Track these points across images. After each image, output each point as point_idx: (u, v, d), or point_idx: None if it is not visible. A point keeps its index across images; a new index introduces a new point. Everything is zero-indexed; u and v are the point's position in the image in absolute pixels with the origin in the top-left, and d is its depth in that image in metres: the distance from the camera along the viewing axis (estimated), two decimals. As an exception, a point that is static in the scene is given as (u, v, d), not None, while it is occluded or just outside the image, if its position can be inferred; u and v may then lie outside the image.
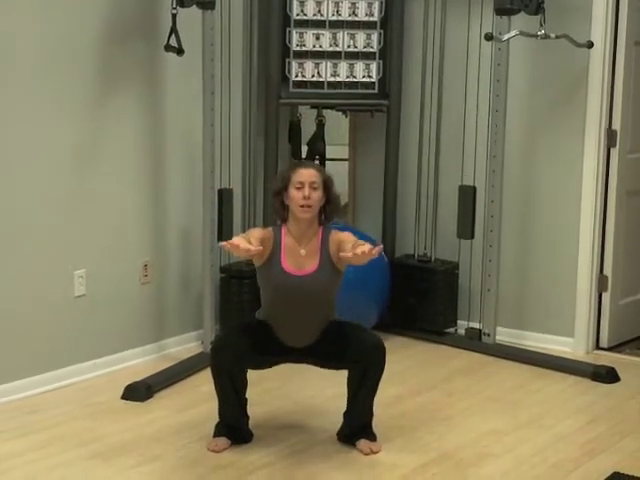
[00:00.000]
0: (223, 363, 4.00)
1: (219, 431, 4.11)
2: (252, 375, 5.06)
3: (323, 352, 4.07)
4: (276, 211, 4.10)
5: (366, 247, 3.74)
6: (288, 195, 4.00)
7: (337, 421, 4.17)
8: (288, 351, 4.10)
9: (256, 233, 4.02)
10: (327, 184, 4.04)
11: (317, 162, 5.69)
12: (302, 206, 3.96)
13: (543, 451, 4.13)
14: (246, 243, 3.77)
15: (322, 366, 4.16)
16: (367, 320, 5.59)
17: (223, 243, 3.79)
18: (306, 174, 3.99)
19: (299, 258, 4.02)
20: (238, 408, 4.10)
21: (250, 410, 4.16)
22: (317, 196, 3.98)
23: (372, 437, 4.12)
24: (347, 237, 4.01)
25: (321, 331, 4.07)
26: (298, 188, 3.96)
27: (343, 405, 4.12)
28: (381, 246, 3.85)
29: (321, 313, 4.08)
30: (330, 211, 4.08)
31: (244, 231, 5.57)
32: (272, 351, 4.09)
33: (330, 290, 4.08)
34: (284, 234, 4.05)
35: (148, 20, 5.10)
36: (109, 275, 5.07)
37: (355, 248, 3.79)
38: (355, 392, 4.07)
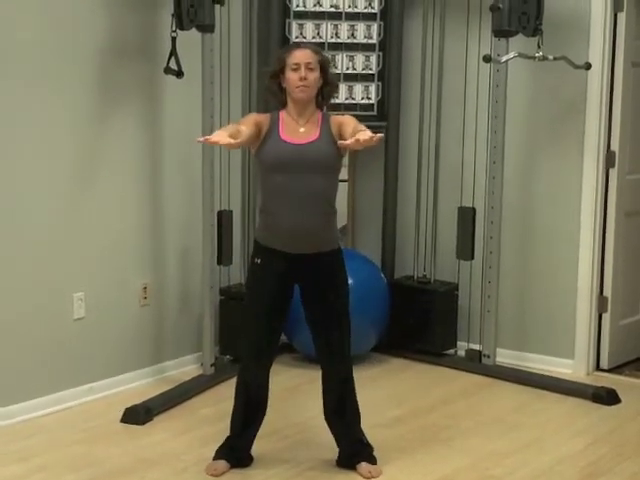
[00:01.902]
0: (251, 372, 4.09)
1: (219, 454, 4.10)
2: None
3: (313, 288, 4.00)
4: (274, 94, 4.01)
5: (367, 134, 3.64)
6: (285, 78, 3.94)
7: (337, 443, 4.17)
8: (287, 272, 3.96)
9: (251, 117, 4.00)
10: (324, 65, 3.97)
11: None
12: (298, 87, 3.90)
13: (544, 474, 4.12)
14: (226, 137, 3.64)
15: (306, 311, 4.08)
16: (367, 342, 5.60)
17: (201, 139, 3.74)
18: (301, 55, 3.91)
19: (298, 133, 3.94)
20: (253, 427, 4.11)
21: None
22: (314, 77, 3.91)
23: (372, 461, 4.11)
24: (348, 120, 3.93)
25: (322, 241, 3.95)
26: (294, 69, 3.89)
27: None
28: (381, 134, 3.76)
29: (322, 201, 3.94)
30: (328, 92, 4.02)
31: (245, 254, 5.60)
32: (274, 287, 4.00)
33: (332, 164, 3.95)
34: (282, 115, 3.98)
35: (148, 42, 5.11)
36: (108, 298, 5.06)
37: (355, 134, 3.70)
38: (331, 416, 4.12)
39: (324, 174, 3.93)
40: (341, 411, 4.11)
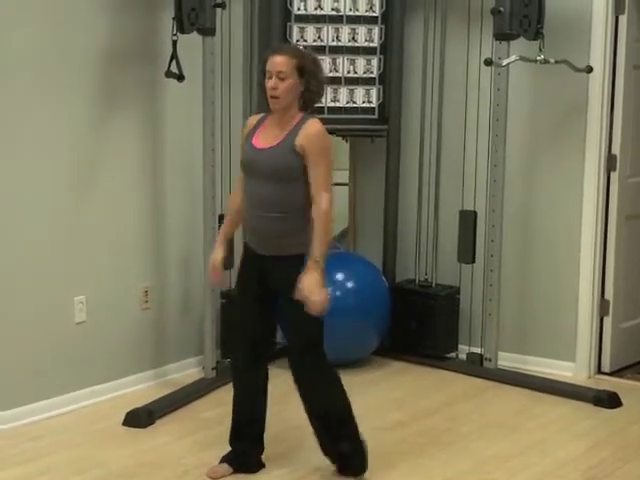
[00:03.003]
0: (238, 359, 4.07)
1: (223, 457, 4.09)
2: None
3: (274, 290, 3.96)
4: (263, 100, 3.94)
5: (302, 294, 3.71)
6: None
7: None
8: (260, 269, 3.98)
9: (249, 121, 4.05)
10: (304, 70, 3.79)
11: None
12: (271, 97, 3.80)
13: (545, 477, 4.12)
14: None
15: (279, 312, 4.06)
16: (368, 345, 5.60)
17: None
18: (273, 63, 3.78)
19: (270, 136, 3.86)
20: (249, 429, 4.09)
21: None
22: (284, 86, 3.75)
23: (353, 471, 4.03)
24: (309, 148, 3.76)
25: (277, 245, 3.88)
26: (268, 77, 3.79)
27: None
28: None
29: (273, 206, 3.83)
30: (308, 98, 3.85)
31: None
32: (253, 280, 4.03)
33: (281, 173, 3.80)
34: (268, 117, 3.93)
35: (149, 45, 5.12)
36: (109, 301, 5.06)
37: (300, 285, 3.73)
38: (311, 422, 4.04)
39: (274, 181, 3.82)
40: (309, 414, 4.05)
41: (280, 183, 3.82)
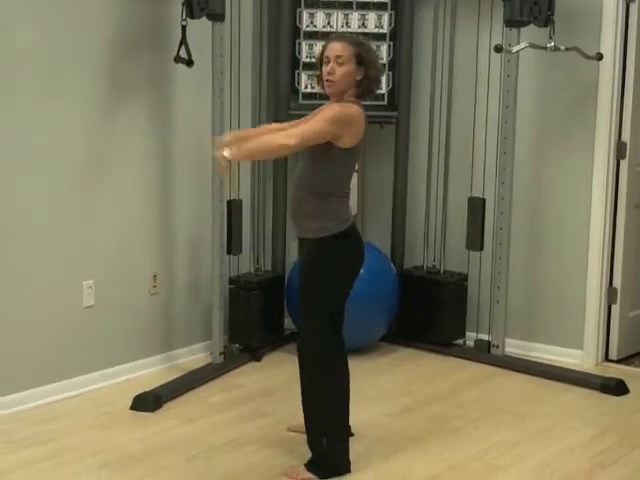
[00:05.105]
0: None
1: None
2: (261, 385, 5.08)
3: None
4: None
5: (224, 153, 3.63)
6: None
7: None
8: None
9: None
10: (362, 58, 3.84)
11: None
12: (326, 80, 3.85)
13: (552, 463, 4.12)
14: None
15: None
16: (376, 331, 5.61)
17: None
18: (332, 49, 3.83)
19: None
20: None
21: (261, 420, 4.10)
22: (342, 71, 3.80)
23: (311, 470, 3.93)
24: (321, 112, 3.80)
25: (302, 227, 3.91)
26: (326, 62, 3.84)
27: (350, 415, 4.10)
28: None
29: (301, 186, 3.89)
30: (366, 86, 3.88)
31: (254, 243, 5.63)
32: None
33: (313, 150, 3.80)
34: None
35: (158, 31, 5.12)
36: (118, 286, 5.08)
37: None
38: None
39: (307, 160, 3.87)
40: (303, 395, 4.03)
41: (309, 161, 3.85)
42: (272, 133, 3.94)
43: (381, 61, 5.61)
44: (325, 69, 3.84)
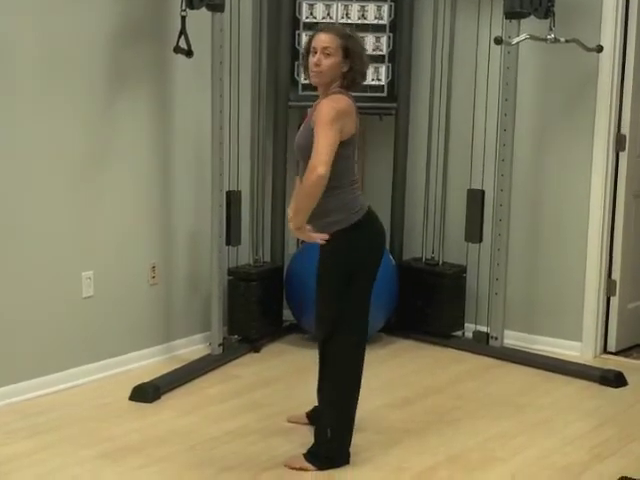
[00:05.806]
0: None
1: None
2: (260, 376, 5.08)
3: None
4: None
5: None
6: None
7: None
8: None
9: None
10: (348, 50, 3.83)
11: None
12: (312, 71, 3.84)
13: (551, 455, 4.13)
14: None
15: None
16: (375, 323, 5.60)
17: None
18: (319, 39, 3.83)
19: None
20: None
21: (260, 411, 4.11)
22: (329, 62, 3.79)
23: (310, 460, 3.94)
24: (317, 121, 3.73)
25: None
26: (313, 53, 3.84)
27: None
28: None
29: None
30: (350, 78, 3.86)
31: (253, 235, 5.61)
32: None
33: (307, 152, 3.76)
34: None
35: (157, 22, 5.11)
36: (117, 277, 5.08)
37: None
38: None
39: (304, 161, 3.83)
40: (321, 385, 4.06)
41: (304, 160, 3.82)
42: (300, 183, 3.92)
43: (380, 52, 5.62)
44: (312, 60, 3.84)
